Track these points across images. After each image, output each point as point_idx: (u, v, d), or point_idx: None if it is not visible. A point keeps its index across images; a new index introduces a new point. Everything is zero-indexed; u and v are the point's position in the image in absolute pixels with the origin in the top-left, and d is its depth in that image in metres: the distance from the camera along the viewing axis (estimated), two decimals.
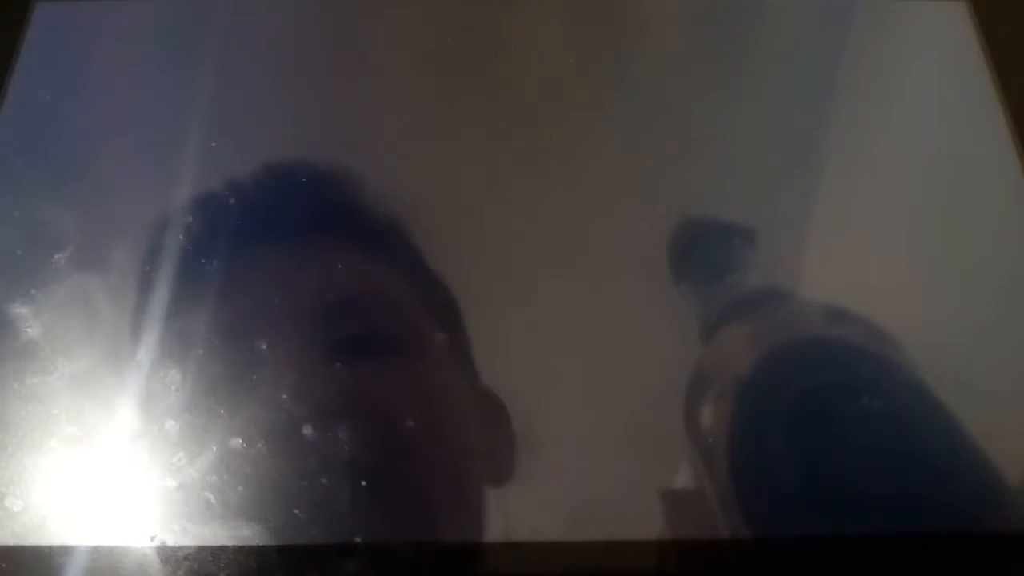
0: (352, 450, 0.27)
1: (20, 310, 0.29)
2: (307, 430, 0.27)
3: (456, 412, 0.29)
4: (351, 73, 0.34)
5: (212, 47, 0.35)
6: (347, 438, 0.27)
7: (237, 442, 0.27)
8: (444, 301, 0.29)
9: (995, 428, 0.28)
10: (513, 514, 0.26)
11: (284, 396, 0.27)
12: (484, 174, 0.32)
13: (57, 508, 0.26)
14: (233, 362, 0.28)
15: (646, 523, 0.26)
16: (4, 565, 0.26)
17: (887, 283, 0.31)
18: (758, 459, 0.27)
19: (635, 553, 0.26)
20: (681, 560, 0.26)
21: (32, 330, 0.29)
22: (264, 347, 0.28)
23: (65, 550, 0.26)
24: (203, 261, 0.30)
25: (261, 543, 0.26)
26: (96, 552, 0.26)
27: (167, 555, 0.26)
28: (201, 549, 0.26)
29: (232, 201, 0.31)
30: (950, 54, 0.35)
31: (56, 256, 0.30)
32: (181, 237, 0.30)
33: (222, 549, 0.26)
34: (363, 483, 0.26)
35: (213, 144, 0.32)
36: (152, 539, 0.26)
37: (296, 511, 0.26)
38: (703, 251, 0.31)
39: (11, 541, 0.26)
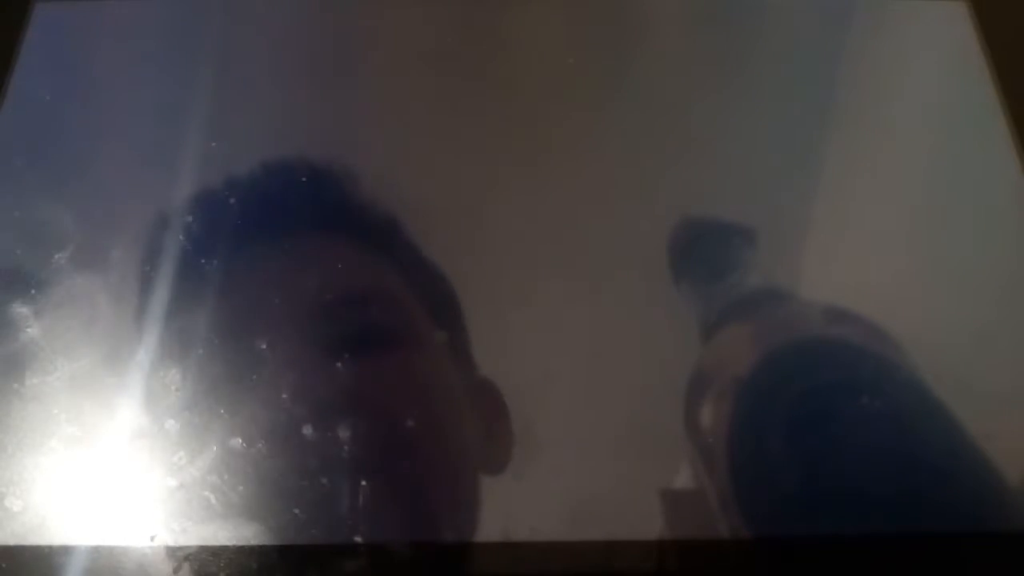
0: (352, 450, 0.27)
1: (20, 310, 0.29)
2: (307, 430, 0.27)
3: (456, 412, 0.29)
4: (351, 73, 0.34)
5: (212, 47, 0.35)
6: (347, 438, 0.27)
7: (237, 442, 0.27)
8: (444, 301, 0.29)
9: (995, 428, 0.28)
10: (513, 514, 0.26)
11: (284, 396, 0.27)
12: (484, 174, 0.32)
13: (57, 508, 0.26)
14: (233, 362, 0.28)
15: (646, 523, 0.26)
16: (4, 565, 0.26)
17: (887, 283, 0.31)
18: (758, 459, 0.27)
19: (635, 553, 0.26)
20: (681, 560, 0.26)
21: (32, 330, 0.29)
22: (264, 347, 0.28)
23: (65, 550, 0.26)
24: (203, 261, 0.30)
25: (261, 543, 0.26)
26: (96, 552, 0.26)
27: (167, 555, 0.26)
28: (201, 549, 0.26)
29: (232, 201, 0.31)
30: (950, 54, 0.35)
31: (56, 256, 0.30)
32: (181, 237, 0.30)
33: (222, 549, 0.26)
34: (363, 483, 0.26)
35: (213, 144, 0.32)
36: (152, 539, 0.26)
37: (296, 511, 0.26)
38: (703, 251, 0.31)
39: (11, 541, 0.26)
